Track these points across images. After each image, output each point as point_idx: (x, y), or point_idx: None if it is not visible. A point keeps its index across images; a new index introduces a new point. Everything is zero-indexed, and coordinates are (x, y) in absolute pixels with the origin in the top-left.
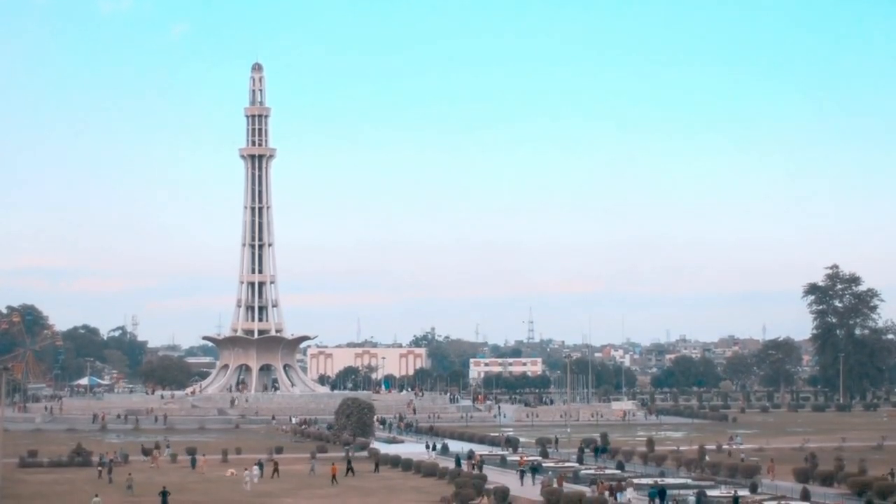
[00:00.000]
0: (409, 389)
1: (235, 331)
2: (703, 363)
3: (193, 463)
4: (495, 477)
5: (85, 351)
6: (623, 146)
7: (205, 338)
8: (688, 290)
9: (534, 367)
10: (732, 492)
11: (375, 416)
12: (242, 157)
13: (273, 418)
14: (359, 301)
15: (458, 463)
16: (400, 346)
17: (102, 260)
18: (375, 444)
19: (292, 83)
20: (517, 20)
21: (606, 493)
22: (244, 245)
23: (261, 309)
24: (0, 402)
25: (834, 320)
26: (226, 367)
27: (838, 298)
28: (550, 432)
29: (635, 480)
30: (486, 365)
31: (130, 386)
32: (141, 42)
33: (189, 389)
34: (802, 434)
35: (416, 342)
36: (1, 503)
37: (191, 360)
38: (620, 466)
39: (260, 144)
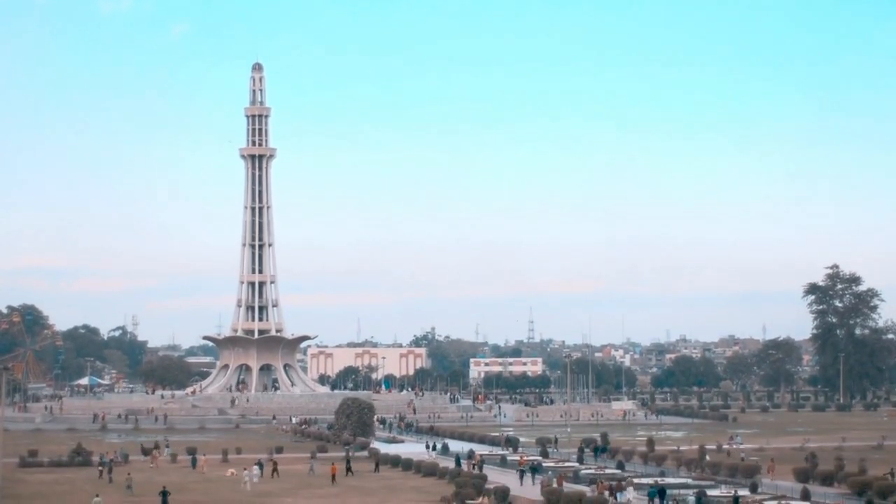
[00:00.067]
0: (410, 389)
1: (235, 331)
2: (704, 363)
3: (193, 463)
4: (495, 477)
5: (85, 351)
6: (623, 146)
7: (205, 338)
8: (688, 290)
9: (534, 366)
10: (732, 492)
11: (375, 416)
12: (242, 156)
13: (273, 418)
14: (359, 301)
15: (458, 463)
16: (400, 346)
17: (102, 260)
18: (375, 444)
19: (292, 83)
20: (517, 20)
21: (606, 492)
22: (244, 245)
23: (261, 309)
24: (0, 402)
25: (834, 320)
26: (226, 366)
27: (838, 298)
28: (550, 432)
29: (635, 480)
30: (487, 365)
31: (131, 386)
32: (141, 42)
33: (189, 389)
34: (802, 434)
35: (417, 342)
36: (1, 503)
37: (191, 360)
38: (620, 466)
39: (260, 144)
